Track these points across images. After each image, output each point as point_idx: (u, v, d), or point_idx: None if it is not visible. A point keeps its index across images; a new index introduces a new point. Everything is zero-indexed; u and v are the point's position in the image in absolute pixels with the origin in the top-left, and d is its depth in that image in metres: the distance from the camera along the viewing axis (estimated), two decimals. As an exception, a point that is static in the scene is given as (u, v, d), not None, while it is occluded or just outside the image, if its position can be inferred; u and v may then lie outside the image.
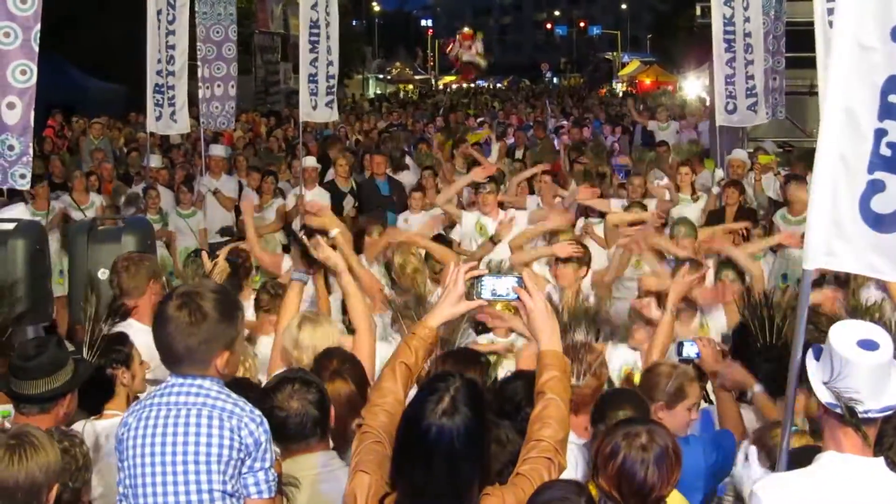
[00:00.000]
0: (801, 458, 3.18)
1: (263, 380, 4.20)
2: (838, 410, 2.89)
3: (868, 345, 2.88)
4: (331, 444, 3.59)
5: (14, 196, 7.86)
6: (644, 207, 8.54)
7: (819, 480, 2.94)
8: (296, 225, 10.01)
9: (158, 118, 12.02)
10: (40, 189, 10.20)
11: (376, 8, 69.95)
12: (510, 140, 17.90)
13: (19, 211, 6.50)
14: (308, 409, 3.37)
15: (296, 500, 3.20)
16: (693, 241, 7.15)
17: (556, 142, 17.31)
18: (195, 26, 12.33)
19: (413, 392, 2.94)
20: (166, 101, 11.99)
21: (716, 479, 3.94)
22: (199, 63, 12.47)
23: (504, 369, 5.06)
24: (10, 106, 5.98)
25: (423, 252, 6.59)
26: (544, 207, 9.08)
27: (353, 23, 51.60)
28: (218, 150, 12.73)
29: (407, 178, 12.49)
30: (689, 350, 4.63)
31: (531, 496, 2.68)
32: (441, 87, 59.58)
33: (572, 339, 4.53)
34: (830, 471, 2.94)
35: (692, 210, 9.72)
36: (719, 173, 11.56)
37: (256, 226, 8.22)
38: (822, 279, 5.67)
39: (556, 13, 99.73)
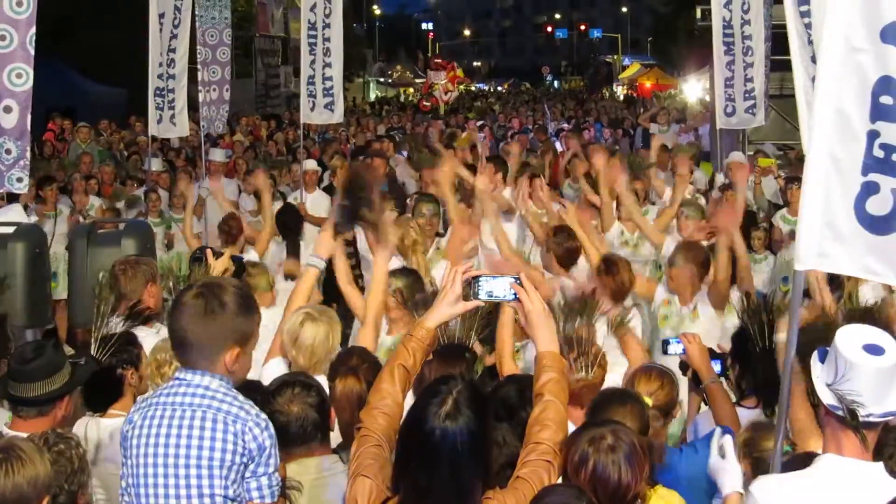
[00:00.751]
0: (798, 463, 3.17)
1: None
2: (840, 412, 2.88)
3: (874, 349, 2.86)
4: (332, 445, 3.60)
5: (13, 199, 7.89)
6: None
7: (817, 482, 2.93)
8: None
9: (159, 121, 12.04)
10: (49, 191, 10.23)
11: (377, 11, 70.01)
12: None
13: (16, 212, 6.49)
14: (308, 412, 3.39)
15: None
16: (697, 222, 7.27)
17: (557, 144, 17.30)
18: (195, 30, 12.36)
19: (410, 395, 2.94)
20: (166, 104, 12.01)
21: None
22: (199, 67, 12.49)
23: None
24: (7, 109, 5.99)
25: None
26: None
27: (354, 26, 51.61)
28: (218, 155, 12.74)
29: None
30: (675, 348, 4.65)
31: (532, 501, 2.67)
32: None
33: (573, 332, 4.53)
34: (829, 473, 2.92)
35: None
36: (720, 178, 11.55)
37: (254, 231, 8.26)
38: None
39: (557, 16, 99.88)
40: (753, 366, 4.46)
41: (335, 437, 3.96)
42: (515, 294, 2.97)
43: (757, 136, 14.29)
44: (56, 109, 18.95)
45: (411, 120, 27.17)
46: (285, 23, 39.41)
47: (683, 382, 4.57)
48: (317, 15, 11.47)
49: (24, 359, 3.68)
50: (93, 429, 4.05)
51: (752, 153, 12.97)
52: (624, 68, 58.72)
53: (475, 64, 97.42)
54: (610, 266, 5.85)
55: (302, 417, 3.38)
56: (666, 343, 4.77)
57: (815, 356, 3.06)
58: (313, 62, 11.55)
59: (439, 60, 51.77)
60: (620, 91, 53.20)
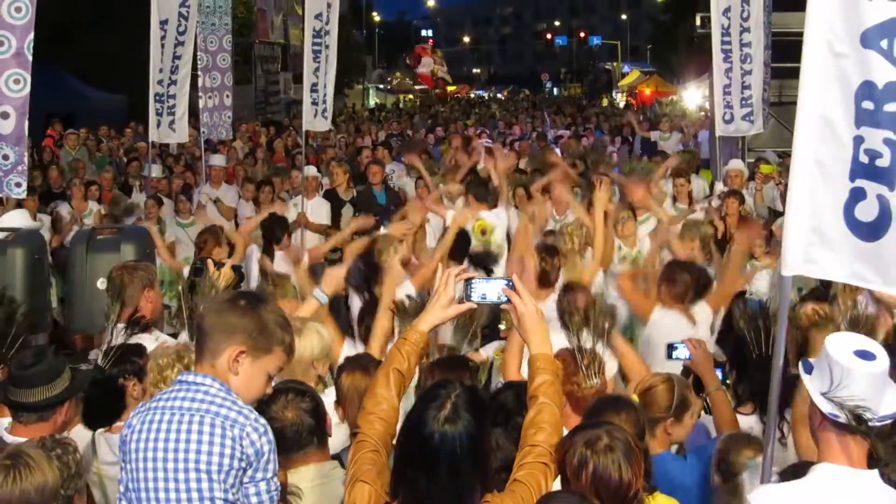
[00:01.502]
0: (793, 473, 3.16)
1: None
2: (841, 420, 2.87)
3: (865, 355, 2.86)
4: (339, 446, 3.60)
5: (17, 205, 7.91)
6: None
7: (814, 491, 2.92)
8: (296, 237, 9.99)
9: (158, 126, 12.06)
10: (30, 201, 10.20)
11: (377, 18, 70.14)
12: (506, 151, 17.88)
13: (21, 216, 6.50)
14: (303, 418, 3.39)
15: None
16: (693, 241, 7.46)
17: (556, 151, 17.32)
18: (196, 36, 12.38)
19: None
20: (166, 109, 12.03)
21: None
22: (199, 73, 12.51)
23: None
24: (4, 115, 5.98)
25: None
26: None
27: (354, 32, 51.70)
28: (218, 160, 12.75)
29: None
30: (681, 352, 4.64)
31: None
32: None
33: (582, 342, 4.53)
34: (825, 481, 2.92)
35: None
36: (719, 186, 11.57)
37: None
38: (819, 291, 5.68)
39: (556, 23, 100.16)
40: (750, 372, 4.47)
41: (338, 440, 3.99)
42: (508, 297, 2.97)
43: (757, 144, 14.32)
44: (56, 115, 18.99)
45: (411, 126, 27.21)
46: (285, 29, 39.48)
47: None
48: (322, 22, 11.50)
49: (25, 364, 3.69)
50: (103, 446, 4.04)
51: (752, 160, 12.99)
52: (623, 75, 58.79)
53: (475, 70, 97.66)
54: (568, 291, 5.69)
55: (297, 423, 3.37)
56: (671, 347, 4.75)
57: (801, 370, 3.05)
58: (317, 70, 11.57)
59: (416, 54, 52.13)
60: (620, 98, 53.30)
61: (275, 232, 8.28)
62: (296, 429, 3.37)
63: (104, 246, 6.46)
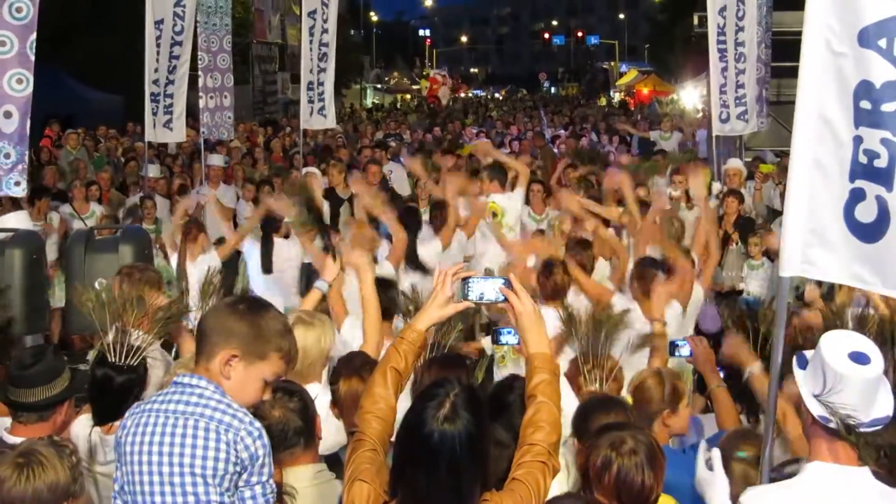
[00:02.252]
0: (784, 472, 3.16)
1: None
2: (831, 425, 2.86)
3: (859, 358, 2.84)
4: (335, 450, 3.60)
5: (17, 204, 7.90)
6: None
7: (805, 490, 2.92)
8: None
9: (154, 127, 12.06)
10: (43, 202, 10.23)
11: (374, 18, 70.16)
12: (506, 150, 17.90)
13: (20, 218, 6.49)
14: (290, 417, 3.38)
15: None
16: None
17: (554, 150, 17.34)
18: (195, 36, 12.39)
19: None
20: (162, 109, 12.03)
21: None
22: (200, 73, 12.52)
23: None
24: (7, 115, 5.99)
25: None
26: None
27: (352, 32, 51.70)
28: (216, 160, 12.75)
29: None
30: (682, 350, 4.65)
31: None
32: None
33: (592, 347, 4.54)
34: (817, 481, 2.91)
35: (687, 217, 9.71)
36: (716, 186, 11.59)
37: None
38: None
39: (554, 23, 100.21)
40: (736, 373, 4.45)
41: (336, 440, 3.98)
42: (505, 296, 2.96)
43: (754, 143, 14.33)
44: (54, 116, 18.97)
45: (409, 126, 27.22)
46: (282, 29, 39.47)
47: None
48: (316, 20, 11.51)
49: (24, 364, 3.69)
50: (99, 446, 4.02)
51: (749, 160, 13.00)
52: (621, 75, 58.85)
53: (472, 70, 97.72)
54: (547, 268, 6.11)
55: (283, 422, 3.36)
56: (673, 345, 4.76)
57: (794, 363, 3.03)
58: (313, 69, 11.59)
59: (432, 91, 52.44)
60: (617, 97, 53.35)
61: (272, 223, 8.36)
62: (281, 427, 3.35)
63: (103, 246, 6.44)
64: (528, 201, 9.72)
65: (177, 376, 2.85)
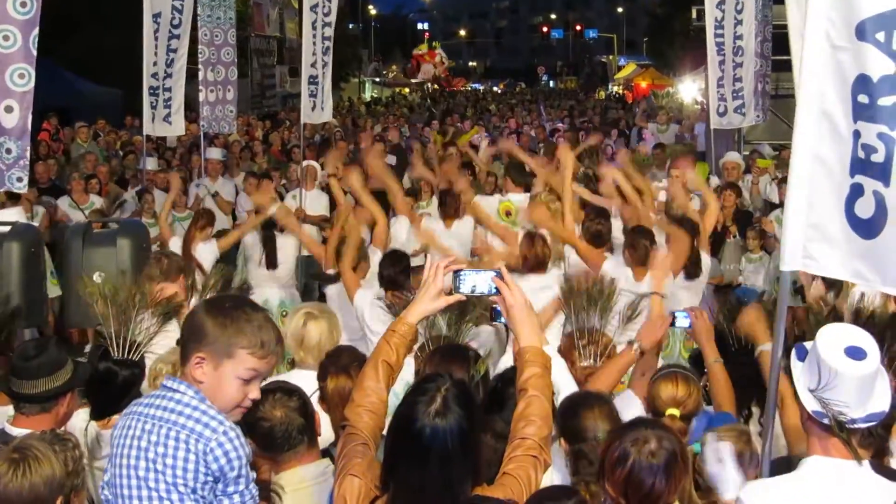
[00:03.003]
0: (783, 467, 3.16)
1: None
2: (825, 421, 2.85)
3: (855, 353, 2.81)
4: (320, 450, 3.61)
5: (14, 198, 7.91)
6: None
7: (805, 484, 2.91)
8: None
9: (152, 120, 12.05)
10: (28, 192, 10.22)
11: (373, 11, 69.98)
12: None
13: (16, 213, 6.50)
14: (292, 416, 3.39)
15: None
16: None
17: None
18: (195, 29, 12.36)
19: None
20: (161, 102, 12.01)
21: None
22: (199, 66, 12.50)
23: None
24: (8, 109, 5.98)
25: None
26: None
27: (350, 26, 51.58)
28: (215, 153, 12.75)
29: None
30: (682, 321, 4.59)
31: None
32: (438, 90, 59.58)
33: (585, 323, 4.56)
34: (816, 475, 2.91)
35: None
36: (714, 180, 11.59)
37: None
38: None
39: (553, 16, 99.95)
40: (727, 365, 4.46)
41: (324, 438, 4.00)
42: (497, 288, 2.96)
43: (753, 136, 14.31)
44: (52, 109, 18.95)
45: (407, 120, 27.17)
46: (281, 23, 39.33)
47: None
48: (317, 14, 11.50)
49: (27, 356, 3.70)
50: (97, 441, 4.04)
51: (747, 153, 13.00)
52: (619, 68, 58.77)
53: (471, 64, 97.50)
54: (529, 239, 6.62)
55: (286, 422, 3.37)
56: (672, 316, 4.68)
57: (793, 354, 3.02)
58: (315, 63, 11.57)
59: (414, 63, 52.45)
60: (616, 91, 53.28)
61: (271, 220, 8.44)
62: (285, 428, 3.37)
63: (100, 240, 6.44)
64: None
65: (165, 378, 2.82)
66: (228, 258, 8.95)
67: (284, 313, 8.23)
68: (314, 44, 11.58)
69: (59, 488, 2.92)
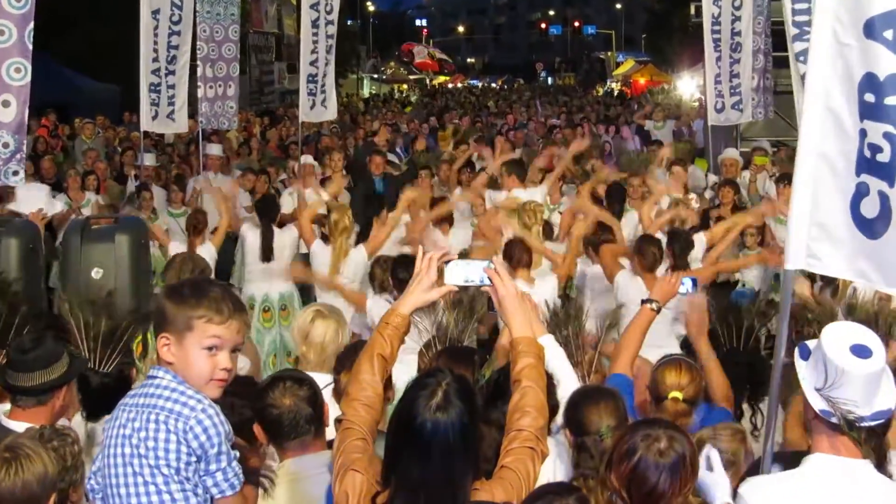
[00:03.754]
0: (785, 463, 3.15)
1: None
2: (833, 420, 2.85)
3: (861, 351, 2.81)
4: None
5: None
6: None
7: (807, 482, 2.91)
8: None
9: (154, 117, 12.03)
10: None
11: (371, 7, 69.90)
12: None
13: (37, 188, 6.57)
14: (300, 405, 3.40)
15: (274, 495, 3.17)
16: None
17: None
18: (195, 25, 12.35)
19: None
20: (165, 99, 11.99)
21: None
22: (198, 63, 12.49)
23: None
24: (5, 104, 6.01)
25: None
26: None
27: (348, 22, 51.51)
28: (214, 150, 12.73)
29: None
30: (685, 287, 4.43)
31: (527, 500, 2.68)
32: (436, 86, 59.60)
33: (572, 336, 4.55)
34: (819, 472, 2.91)
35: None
36: (712, 178, 11.59)
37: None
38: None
39: (551, 13, 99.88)
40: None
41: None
42: (490, 279, 2.96)
43: (751, 133, 14.31)
44: (50, 105, 18.93)
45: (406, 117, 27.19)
46: (279, 19, 39.27)
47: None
48: (319, 12, 11.48)
49: (24, 349, 3.71)
50: (99, 436, 4.05)
51: (746, 150, 13.00)
52: (618, 65, 58.75)
53: (469, 60, 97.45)
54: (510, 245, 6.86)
55: (294, 411, 3.38)
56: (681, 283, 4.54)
57: (797, 353, 3.01)
58: (315, 61, 11.56)
59: (406, 49, 52.53)
60: (615, 87, 53.28)
61: (269, 212, 8.51)
62: (293, 416, 3.38)
63: (99, 236, 6.45)
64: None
65: (150, 368, 2.85)
66: (228, 254, 8.98)
67: (284, 307, 8.26)
68: (315, 42, 11.57)
69: (51, 486, 2.93)
